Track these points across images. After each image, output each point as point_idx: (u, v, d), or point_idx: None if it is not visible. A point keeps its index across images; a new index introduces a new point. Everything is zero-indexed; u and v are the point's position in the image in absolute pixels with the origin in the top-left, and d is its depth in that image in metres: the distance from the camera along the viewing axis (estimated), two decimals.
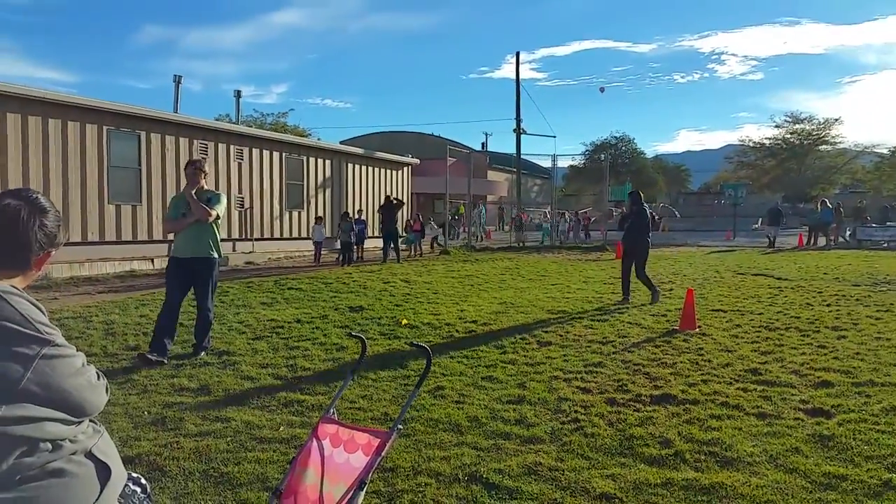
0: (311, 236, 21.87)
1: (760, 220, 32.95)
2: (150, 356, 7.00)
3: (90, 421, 1.98)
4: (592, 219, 35.39)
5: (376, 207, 26.88)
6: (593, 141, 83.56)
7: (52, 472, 1.79)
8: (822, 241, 28.94)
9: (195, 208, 7.28)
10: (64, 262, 15.01)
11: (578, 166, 74.22)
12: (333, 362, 7.31)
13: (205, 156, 19.98)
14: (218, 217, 7.46)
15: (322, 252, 20.65)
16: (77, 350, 1.93)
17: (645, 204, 12.51)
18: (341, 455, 2.95)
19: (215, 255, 7.50)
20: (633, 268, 12.07)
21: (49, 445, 1.79)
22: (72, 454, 1.85)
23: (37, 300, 1.92)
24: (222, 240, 7.74)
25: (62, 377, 1.82)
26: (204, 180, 7.49)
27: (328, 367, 7.13)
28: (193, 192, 7.35)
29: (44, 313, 1.89)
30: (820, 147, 71.60)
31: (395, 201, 21.83)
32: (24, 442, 1.74)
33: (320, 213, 23.65)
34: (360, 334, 3.75)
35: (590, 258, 22.85)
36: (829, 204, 29.66)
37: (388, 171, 29.03)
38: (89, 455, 1.90)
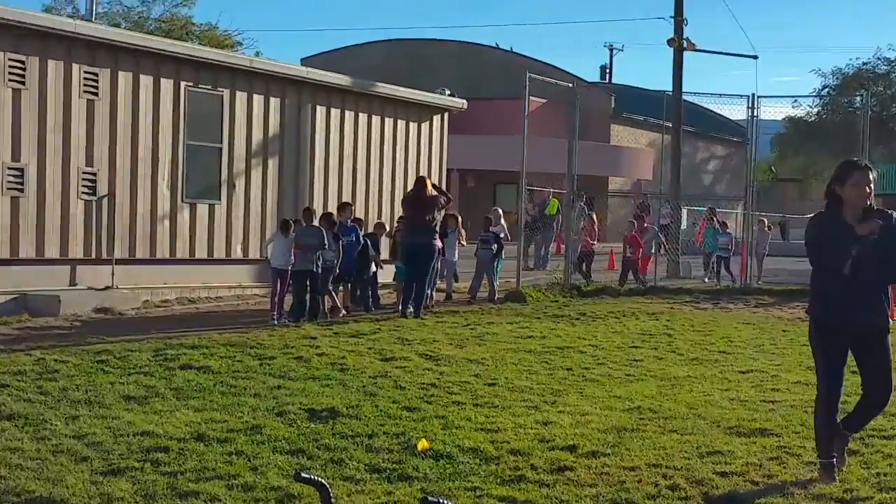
0: (264, 255, 12.45)
1: None
2: None
3: None
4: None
5: (382, 200, 15.46)
6: (839, 68, 46.37)
7: None
8: None
9: None
10: None
11: (806, 119, 45.77)
12: None
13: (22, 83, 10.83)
14: None
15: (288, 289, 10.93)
16: None
17: None
18: None
19: None
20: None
21: None
22: None
23: None
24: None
25: None
26: None
27: None
28: None
29: None
30: None
31: (435, 191, 12.01)
32: None
33: (279, 213, 13.31)
34: (318, 477, 2.06)
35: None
36: None
37: (402, 123, 15.89)
38: None
